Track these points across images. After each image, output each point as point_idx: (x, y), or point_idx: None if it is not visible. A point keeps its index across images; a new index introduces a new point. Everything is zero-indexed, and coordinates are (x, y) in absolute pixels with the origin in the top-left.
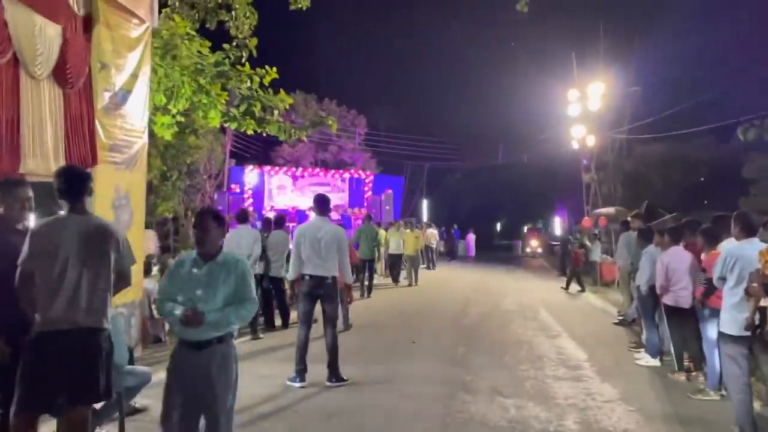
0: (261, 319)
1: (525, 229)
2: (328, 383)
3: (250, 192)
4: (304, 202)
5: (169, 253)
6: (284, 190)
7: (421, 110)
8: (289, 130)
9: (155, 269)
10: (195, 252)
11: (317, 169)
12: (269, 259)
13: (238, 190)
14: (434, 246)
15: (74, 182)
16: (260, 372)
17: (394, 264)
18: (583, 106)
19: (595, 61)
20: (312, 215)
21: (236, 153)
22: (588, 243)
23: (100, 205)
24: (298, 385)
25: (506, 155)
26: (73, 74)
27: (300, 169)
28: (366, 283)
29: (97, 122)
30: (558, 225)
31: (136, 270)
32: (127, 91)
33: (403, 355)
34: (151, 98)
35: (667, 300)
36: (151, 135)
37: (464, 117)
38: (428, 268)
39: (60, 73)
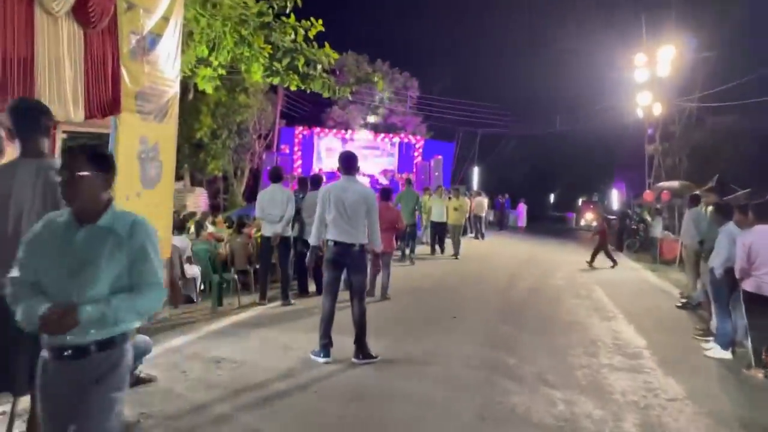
0: (294, 284)
1: (579, 201)
2: (354, 360)
3: (299, 153)
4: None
5: (216, 211)
6: (333, 153)
7: (475, 74)
8: (333, 87)
9: (191, 227)
10: (68, 210)
11: (367, 132)
12: (304, 222)
13: (287, 151)
14: (483, 215)
15: (23, 117)
16: (283, 342)
17: (437, 233)
18: (651, 71)
19: (666, 23)
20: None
21: (287, 114)
22: (648, 218)
23: (124, 155)
24: (322, 360)
25: (563, 123)
26: (96, 12)
27: (349, 132)
28: (407, 250)
29: (122, 67)
30: (615, 198)
31: (164, 226)
32: (156, 35)
33: (442, 331)
34: (193, 49)
35: (748, 285)
36: (201, 92)
37: (521, 82)
38: (476, 237)
39: (81, 11)
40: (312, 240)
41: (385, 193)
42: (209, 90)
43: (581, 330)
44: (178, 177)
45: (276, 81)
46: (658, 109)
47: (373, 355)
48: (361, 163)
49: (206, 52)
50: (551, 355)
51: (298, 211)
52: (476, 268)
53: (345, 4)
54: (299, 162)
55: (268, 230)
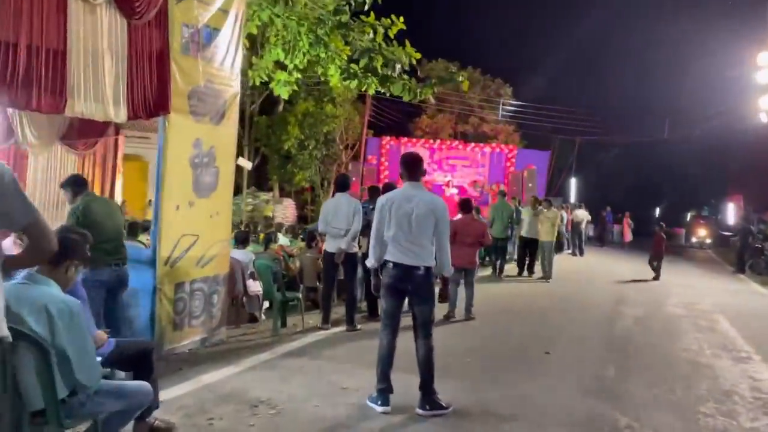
0: (363, 304)
1: (688, 216)
2: (419, 411)
3: (386, 164)
4: (441, 176)
5: (304, 223)
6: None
7: (573, 79)
8: (414, 89)
9: (259, 239)
10: None
11: (456, 142)
12: None
13: (374, 162)
14: (583, 229)
15: None
16: (339, 380)
17: (527, 250)
18: None
19: None
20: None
21: (374, 124)
22: None
23: (175, 160)
24: (379, 409)
25: (672, 130)
26: (142, 2)
27: (438, 141)
28: (498, 265)
29: (172, 63)
30: (731, 213)
31: (222, 239)
32: (213, 29)
33: (531, 371)
34: (268, 52)
35: None
36: (289, 102)
37: (625, 85)
38: (574, 254)
39: (125, 0)
40: (370, 262)
41: (466, 204)
42: (284, 95)
43: (709, 376)
44: (268, 188)
45: (353, 85)
46: None
47: (444, 405)
48: (450, 174)
49: (282, 55)
50: (673, 413)
51: (367, 225)
52: (573, 289)
53: (431, 5)
54: (386, 173)
55: (331, 246)
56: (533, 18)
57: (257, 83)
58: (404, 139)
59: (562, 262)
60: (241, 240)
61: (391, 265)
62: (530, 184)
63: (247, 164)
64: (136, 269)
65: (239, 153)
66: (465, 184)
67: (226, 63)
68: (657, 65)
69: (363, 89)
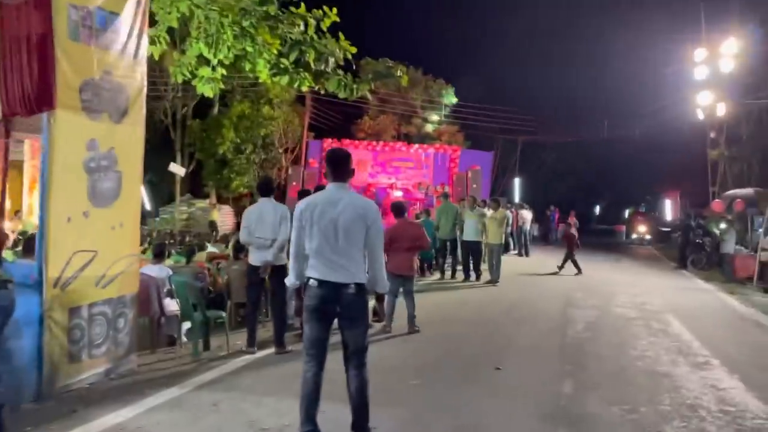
0: (297, 322)
1: (626, 213)
2: None
3: None
4: (386, 179)
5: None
6: (364, 166)
7: (514, 80)
8: (351, 85)
9: (175, 252)
10: None
11: (399, 144)
12: None
13: (316, 165)
14: (528, 229)
15: None
16: (258, 419)
17: (471, 254)
18: (713, 67)
19: (728, 13)
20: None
21: (315, 126)
22: (716, 231)
23: (65, 165)
24: None
25: (611, 129)
26: None
27: (381, 143)
28: (449, 267)
29: (57, 49)
30: (668, 209)
31: (129, 254)
32: (110, 12)
33: (482, 391)
34: (191, 46)
35: None
36: (225, 104)
37: (564, 87)
38: (520, 254)
39: None
40: (289, 280)
41: (398, 208)
42: (209, 93)
43: (670, 387)
44: (203, 195)
45: (284, 81)
46: (722, 110)
47: None
48: (394, 177)
49: (205, 49)
50: None
51: None
52: (521, 294)
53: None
54: None
55: (256, 258)
56: (472, 17)
57: (179, 80)
58: (346, 142)
59: (509, 263)
60: (157, 253)
61: (315, 283)
62: (474, 185)
63: (179, 170)
64: (18, 293)
65: (171, 158)
66: (410, 186)
67: (127, 52)
68: (597, 64)
69: (295, 86)
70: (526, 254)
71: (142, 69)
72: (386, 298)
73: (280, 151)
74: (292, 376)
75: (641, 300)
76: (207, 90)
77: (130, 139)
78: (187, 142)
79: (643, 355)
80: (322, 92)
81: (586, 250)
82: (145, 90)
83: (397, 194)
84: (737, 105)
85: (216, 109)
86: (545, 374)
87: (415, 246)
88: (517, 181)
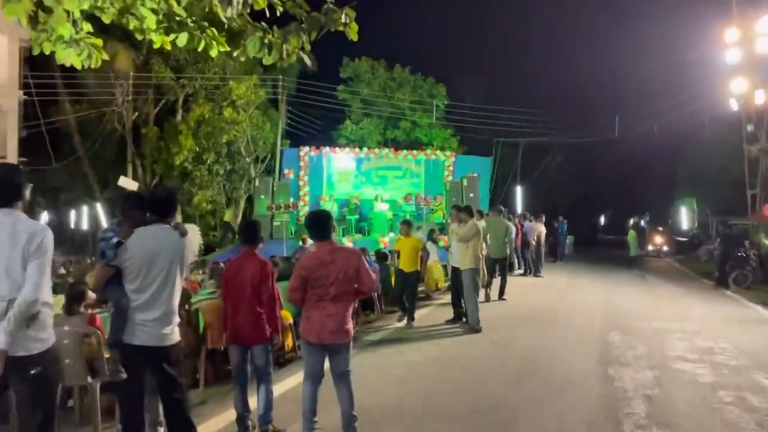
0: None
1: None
2: None
3: (306, 178)
4: (371, 190)
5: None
6: (347, 176)
7: (513, 75)
8: (279, 44)
9: None
10: None
11: (386, 150)
12: None
13: (291, 176)
14: (534, 244)
15: None
16: None
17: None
18: (747, 50)
19: None
20: None
21: (291, 132)
22: (767, 241)
23: None
24: None
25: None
26: None
27: (365, 150)
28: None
29: None
30: (684, 217)
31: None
32: None
33: None
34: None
35: None
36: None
37: (570, 81)
38: (526, 273)
39: None
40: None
41: (320, 226)
42: (76, 63)
43: None
44: None
45: (183, 42)
46: (760, 98)
47: None
48: (380, 188)
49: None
50: None
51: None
52: (535, 344)
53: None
54: (306, 188)
55: None
56: (465, 7)
57: (46, 51)
58: (326, 149)
59: (514, 286)
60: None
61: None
62: (471, 194)
63: (131, 184)
64: None
65: (122, 171)
66: (398, 199)
67: None
68: (607, 51)
69: (201, 49)
70: (538, 273)
71: None
72: (303, 385)
73: (248, 160)
74: None
75: (705, 344)
76: (72, 58)
77: None
78: (143, 152)
79: None
80: (242, 59)
81: (598, 263)
82: None
83: (383, 207)
84: None
85: (179, 116)
86: None
87: (352, 292)
88: (518, 190)
